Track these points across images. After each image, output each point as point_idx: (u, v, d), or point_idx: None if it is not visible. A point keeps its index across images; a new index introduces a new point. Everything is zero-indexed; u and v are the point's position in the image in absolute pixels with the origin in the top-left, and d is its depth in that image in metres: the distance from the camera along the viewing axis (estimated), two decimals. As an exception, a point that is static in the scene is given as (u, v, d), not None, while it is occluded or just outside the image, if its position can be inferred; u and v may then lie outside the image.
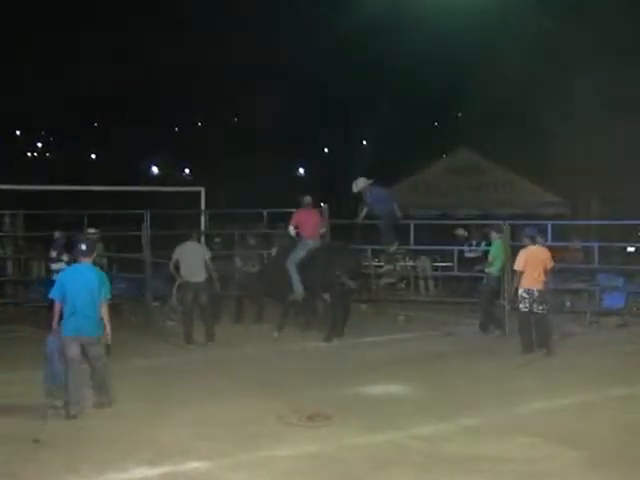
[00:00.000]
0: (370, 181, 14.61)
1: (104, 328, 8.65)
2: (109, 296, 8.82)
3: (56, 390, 8.51)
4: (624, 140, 21.00)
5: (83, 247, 8.91)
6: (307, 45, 30.53)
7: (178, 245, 12.87)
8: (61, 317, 8.57)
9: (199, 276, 12.60)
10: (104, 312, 8.64)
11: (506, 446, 7.27)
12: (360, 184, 14.53)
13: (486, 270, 13.67)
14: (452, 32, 24.64)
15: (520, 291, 11.80)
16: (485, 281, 13.67)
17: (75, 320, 8.46)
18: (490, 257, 13.52)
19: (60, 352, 8.49)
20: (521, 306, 11.82)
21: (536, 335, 11.77)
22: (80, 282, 8.58)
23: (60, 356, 8.50)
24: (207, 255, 12.88)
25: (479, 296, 13.96)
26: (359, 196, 14.83)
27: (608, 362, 11.05)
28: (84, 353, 8.56)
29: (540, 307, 11.71)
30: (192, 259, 12.64)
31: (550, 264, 11.88)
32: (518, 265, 11.82)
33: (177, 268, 12.78)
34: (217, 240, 15.81)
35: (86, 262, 8.82)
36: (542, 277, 11.79)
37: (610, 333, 13.52)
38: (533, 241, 11.93)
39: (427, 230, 18.25)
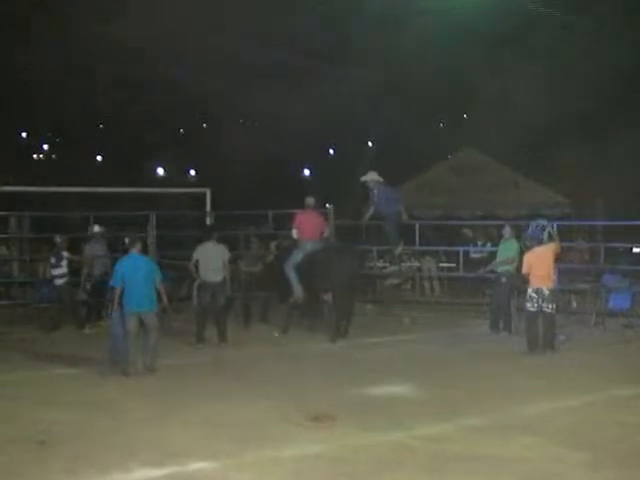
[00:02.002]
0: (380, 179, 14.59)
1: (160, 301, 10.74)
2: (161, 277, 10.80)
3: (116, 354, 10.60)
4: (630, 141, 20.97)
5: (126, 240, 11.44)
6: (310, 45, 30.53)
7: (199, 245, 12.92)
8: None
9: (217, 276, 12.65)
10: (161, 289, 10.71)
11: (510, 446, 7.26)
12: (370, 176, 14.54)
13: (499, 269, 13.60)
14: (459, 31, 24.58)
15: (529, 291, 11.88)
16: (504, 280, 13.53)
17: (134, 299, 10.42)
18: (507, 256, 13.41)
19: (121, 324, 10.52)
20: (528, 305, 11.88)
21: (543, 334, 11.81)
22: (134, 268, 10.58)
23: (121, 326, 10.53)
24: (226, 256, 12.93)
25: (498, 295, 13.69)
26: (365, 192, 14.83)
27: (613, 363, 11.05)
28: (142, 324, 10.52)
29: (549, 306, 11.77)
30: (211, 259, 12.70)
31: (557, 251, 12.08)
32: (524, 268, 11.97)
33: (197, 268, 12.83)
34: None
35: (134, 252, 10.82)
36: (552, 276, 11.93)
37: (615, 334, 13.49)
38: (540, 243, 11.98)
39: (432, 231, 18.25)
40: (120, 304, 10.55)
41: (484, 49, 25.26)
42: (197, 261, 12.76)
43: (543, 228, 12.10)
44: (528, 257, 11.99)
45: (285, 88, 33.41)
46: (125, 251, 11.27)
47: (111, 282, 10.82)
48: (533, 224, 12.30)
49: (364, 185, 14.64)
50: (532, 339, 11.84)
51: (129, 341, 10.45)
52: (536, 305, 11.79)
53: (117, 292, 10.54)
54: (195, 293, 13.41)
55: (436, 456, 7.02)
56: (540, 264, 11.83)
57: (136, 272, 10.55)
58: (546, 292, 11.77)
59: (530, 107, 22.88)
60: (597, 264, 14.79)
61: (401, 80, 31.46)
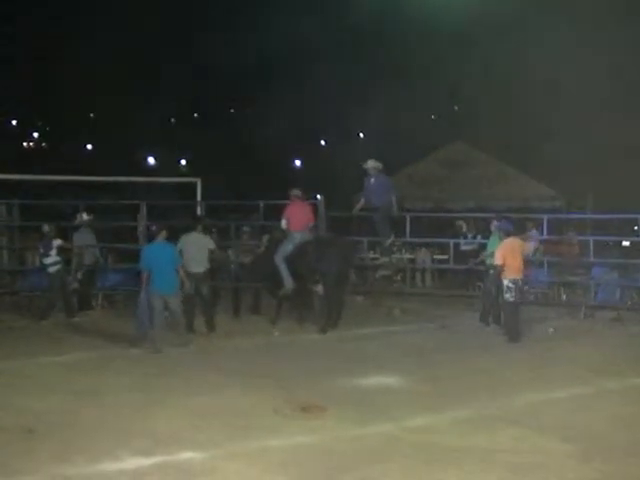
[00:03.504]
0: (379, 166, 14.53)
1: (181, 283, 11.74)
2: (181, 263, 11.84)
3: (143, 334, 11.41)
4: (621, 135, 21.02)
5: (154, 229, 12.52)
6: (305, 39, 30.48)
7: (183, 235, 12.89)
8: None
9: (199, 267, 12.64)
10: (181, 273, 11.71)
11: (499, 438, 7.29)
12: (370, 164, 14.49)
13: (488, 262, 13.63)
14: (449, 25, 24.58)
15: (505, 282, 12.09)
16: (493, 272, 13.56)
17: (159, 283, 11.34)
18: (491, 249, 13.48)
19: (148, 305, 11.39)
20: (507, 296, 12.09)
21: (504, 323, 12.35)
22: (159, 255, 11.52)
23: (148, 308, 11.39)
24: (211, 246, 12.95)
25: (486, 288, 13.75)
26: (361, 181, 14.79)
27: (602, 355, 11.07)
28: (166, 307, 11.45)
29: (520, 296, 12.20)
30: (195, 250, 12.67)
31: (525, 251, 12.65)
32: (498, 259, 12.19)
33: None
34: (214, 230, 15.76)
35: (160, 240, 11.79)
36: (522, 267, 12.25)
37: (604, 326, 13.54)
38: (508, 235, 12.37)
39: (423, 223, 18.25)
40: (147, 286, 11.46)
41: (476, 41, 25.24)
42: (180, 251, 12.71)
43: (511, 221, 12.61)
44: (501, 249, 12.24)
45: (277, 80, 33.35)
46: (151, 238, 12.29)
47: (140, 266, 11.78)
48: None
49: (365, 172, 14.56)
50: (514, 328, 12.09)
51: (155, 319, 11.34)
52: (514, 295, 12.05)
53: (145, 276, 11.47)
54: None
55: (425, 448, 7.03)
56: (514, 255, 12.15)
57: (161, 258, 11.48)
58: (520, 283, 12.16)
59: (522, 101, 22.92)
60: (587, 257, 14.83)
61: (393, 72, 31.45)
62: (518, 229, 13.37)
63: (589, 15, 21.20)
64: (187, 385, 9.22)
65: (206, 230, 13.74)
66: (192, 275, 12.56)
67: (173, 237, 13.30)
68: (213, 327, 12.69)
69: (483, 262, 13.92)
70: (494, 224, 13.70)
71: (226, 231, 16.01)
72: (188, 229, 13.01)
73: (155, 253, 11.62)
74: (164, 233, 11.89)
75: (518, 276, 12.11)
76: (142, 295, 11.62)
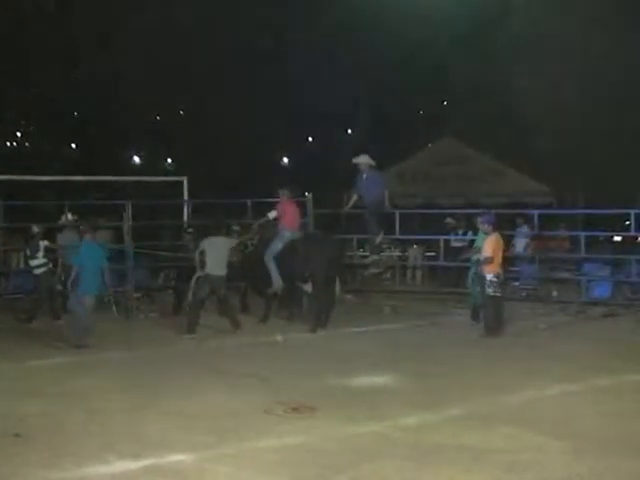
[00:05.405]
0: (372, 162, 14.42)
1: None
2: (106, 263, 11.88)
3: (83, 334, 11.40)
4: (612, 130, 21.02)
5: (81, 228, 12.62)
6: (291, 33, 30.36)
7: (205, 239, 12.77)
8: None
9: (222, 270, 12.58)
10: (107, 274, 11.80)
11: (491, 436, 7.21)
12: (362, 159, 14.36)
13: (473, 258, 13.55)
14: (437, 17, 24.47)
15: (490, 276, 12.11)
16: (477, 266, 13.49)
17: (88, 283, 11.40)
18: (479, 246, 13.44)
19: (81, 305, 11.44)
20: (490, 291, 12.11)
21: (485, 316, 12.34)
22: (88, 255, 11.56)
23: (80, 305, 11.46)
24: (233, 243, 13.11)
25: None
26: (352, 177, 14.68)
27: (594, 352, 11.05)
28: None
29: (503, 291, 12.35)
30: (219, 253, 12.59)
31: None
32: (488, 251, 12.14)
33: (202, 260, 12.68)
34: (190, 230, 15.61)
35: (88, 239, 11.88)
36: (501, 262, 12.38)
37: (596, 323, 13.51)
38: (495, 229, 12.38)
39: (413, 219, 18.20)
40: (76, 285, 11.46)
41: (464, 35, 25.15)
42: (203, 252, 12.59)
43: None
44: (490, 242, 12.19)
45: (262, 75, 33.22)
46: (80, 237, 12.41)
47: (74, 261, 11.82)
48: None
49: (355, 167, 14.44)
50: (499, 322, 12.16)
51: (88, 317, 11.50)
52: (497, 290, 12.08)
53: (75, 272, 11.49)
54: (192, 284, 13.20)
55: (417, 446, 6.95)
56: (500, 250, 12.24)
57: (90, 258, 11.51)
58: (502, 277, 12.23)
59: (512, 95, 22.86)
60: (578, 253, 14.81)
61: (380, 66, 31.37)
62: (505, 224, 13.36)
63: (581, 11, 21.15)
64: (175, 387, 9.10)
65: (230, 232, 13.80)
66: (213, 278, 12.47)
67: (160, 236, 13.20)
68: (239, 324, 12.65)
69: (469, 259, 13.90)
70: (479, 220, 13.70)
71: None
72: (210, 233, 12.89)
73: (85, 253, 11.65)
74: (90, 233, 12.01)
75: (501, 271, 12.19)
76: (74, 294, 11.63)
